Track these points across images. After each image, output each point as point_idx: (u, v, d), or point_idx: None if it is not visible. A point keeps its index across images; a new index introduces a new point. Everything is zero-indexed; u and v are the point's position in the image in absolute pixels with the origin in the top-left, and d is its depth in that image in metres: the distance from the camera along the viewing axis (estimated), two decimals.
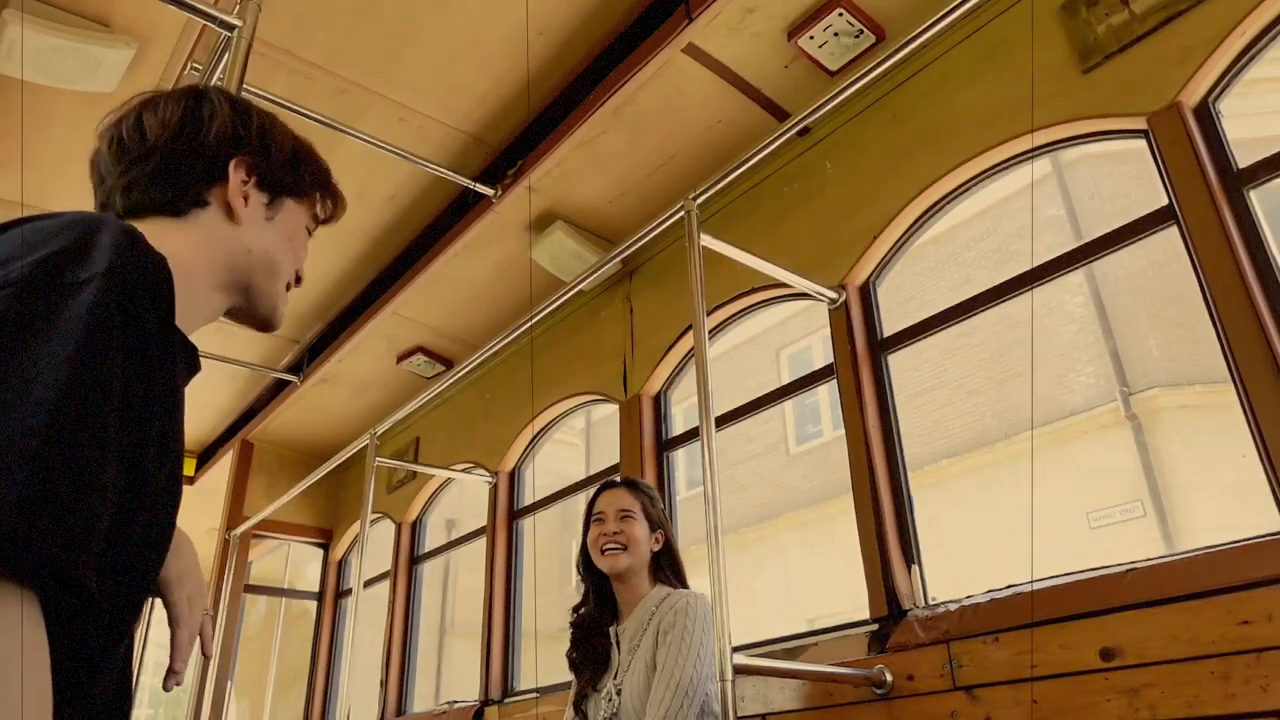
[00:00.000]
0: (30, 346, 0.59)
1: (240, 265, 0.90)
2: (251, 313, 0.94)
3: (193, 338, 0.81)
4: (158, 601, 0.87)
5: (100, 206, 0.89)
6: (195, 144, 0.89)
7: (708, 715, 1.94)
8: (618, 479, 2.32)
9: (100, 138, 0.92)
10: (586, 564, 2.23)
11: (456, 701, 3.83)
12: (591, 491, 2.36)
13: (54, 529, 0.55)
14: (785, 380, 2.95)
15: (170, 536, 0.77)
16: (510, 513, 4.00)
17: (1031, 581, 2.01)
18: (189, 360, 0.80)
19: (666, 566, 2.20)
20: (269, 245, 0.92)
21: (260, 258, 0.91)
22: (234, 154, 0.90)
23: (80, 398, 0.59)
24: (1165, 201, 2.01)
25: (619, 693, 2.03)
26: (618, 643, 2.14)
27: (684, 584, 2.23)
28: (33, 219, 0.71)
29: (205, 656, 0.92)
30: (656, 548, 2.19)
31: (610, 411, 3.57)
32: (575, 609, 2.26)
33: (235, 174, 0.89)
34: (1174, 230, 1.98)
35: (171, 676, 0.86)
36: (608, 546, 2.13)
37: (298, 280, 0.98)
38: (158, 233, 0.81)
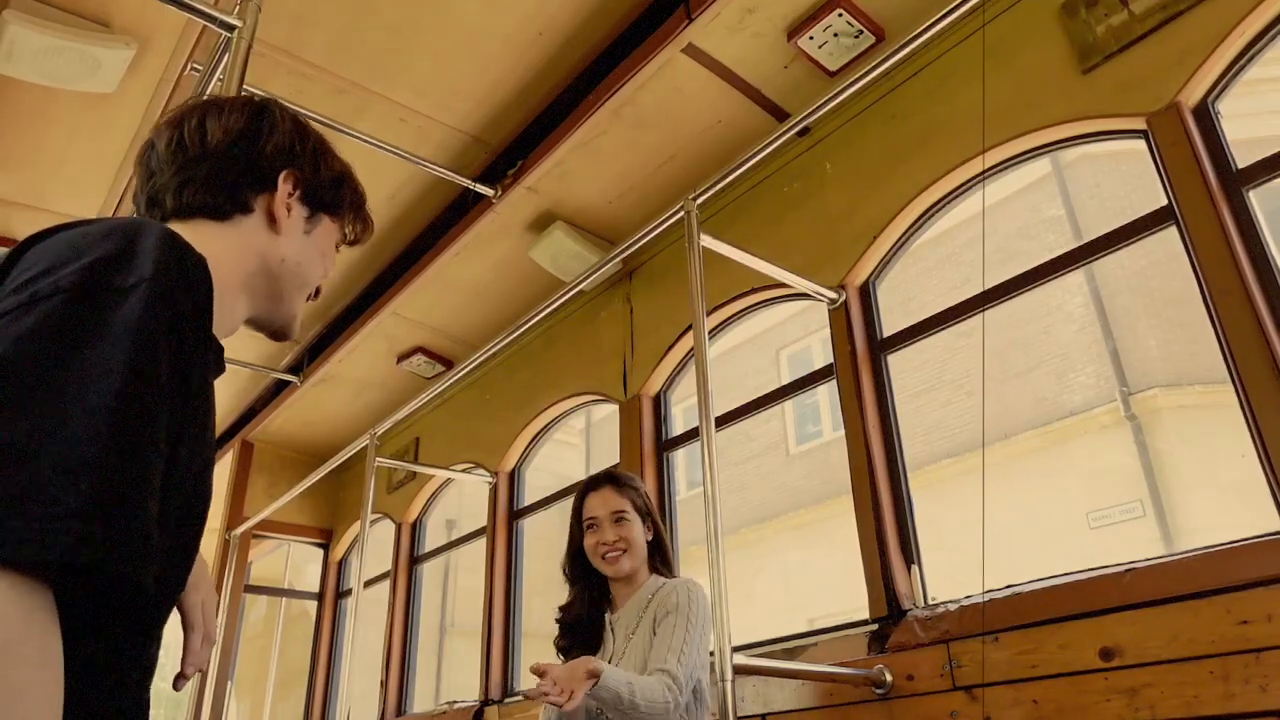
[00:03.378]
0: (83, 352, 0.60)
1: (274, 272, 0.93)
2: (273, 321, 0.97)
3: None
4: None
5: (147, 201, 0.91)
6: (253, 153, 0.92)
7: (699, 702, 1.94)
8: (602, 476, 2.28)
9: (157, 134, 0.94)
10: (579, 566, 2.21)
11: (456, 702, 3.83)
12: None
13: (118, 535, 0.57)
14: (785, 380, 2.95)
15: (202, 533, 0.78)
16: (510, 513, 4.00)
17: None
18: (218, 361, 0.83)
19: (657, 555, 2.21)
20: (303, 257, 0.96)
21: (293, 267, 0.95)
22: (286, 167, 0.94)
23: (136, 403, 0.61)
24: (1165, 201, 2.01)
25: None
26: (612, 629, 2.15)
27: (674, 571, 2.24)
28: (73, 225, 0.72)
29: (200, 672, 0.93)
30: (649, 537, 2.19)
31: (610, 411, 3.57)
32: (563, 609, 2.25)
33: (284, 185, 0.93)
34: (1173, 230, 1.99)
35: (181, 680, 0.88)
36: (610, 554, 2.13)
37: (316, 293, 1.02)
38: (201, 235, 0.84)
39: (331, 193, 0.99)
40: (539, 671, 1.76)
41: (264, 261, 0.92)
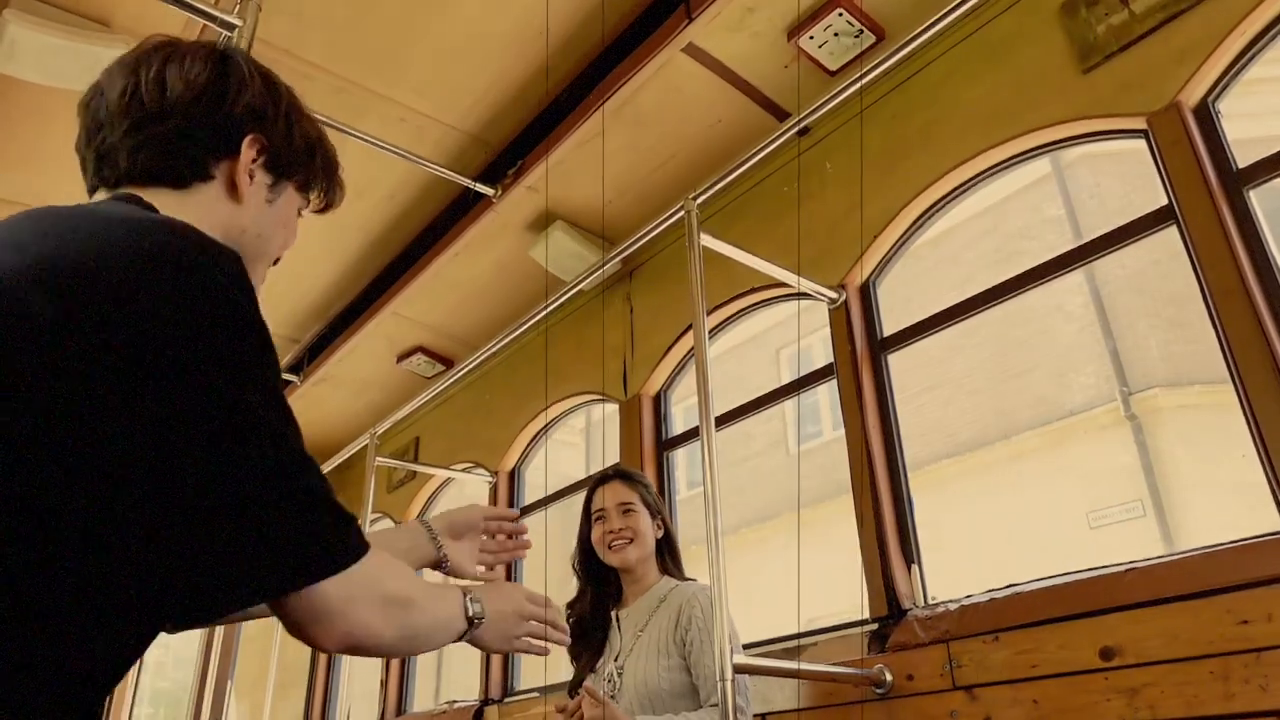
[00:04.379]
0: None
1: (235, 244, 0.86)
2: None
3: None
4: None
5: (96, 158, 0.84)
6: (218, 114, 0.85)
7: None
8: (610, 472, 2.30)
9: (108, 79, 0.86)
10: (588, 561, 2.22)
11: (456, 701, 3.83)
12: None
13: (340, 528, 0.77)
14: (785, 380, 2.95)
15: None
16: None
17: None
18: None
19: (668, 555, 2.22)
20: (264, 228, 0.90)
21: (253, 239, 0.89)
22: (253, 131, 0.87)
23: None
24: (1165, 201, 2.01)
25: (620, 673, 2.03)
26: (619, 625, 2.15)
27: (683, 572, 2.25)
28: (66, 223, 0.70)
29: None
30: (659, 534, 2.20)
31: (610, 411, 3.57)
32: (570, 605, 2.26)
33: (248, 151, 0.86)
34: (1174, 230, 1.98)
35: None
36: (615, 542, 2.14)
37: (276, 260, 0.96)
38: (159, 203, 0.81)
39: (302, 161, 0.93)
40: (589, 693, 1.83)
41: (224, 233, 0.84)
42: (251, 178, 0.87)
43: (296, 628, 0.72)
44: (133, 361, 0.62)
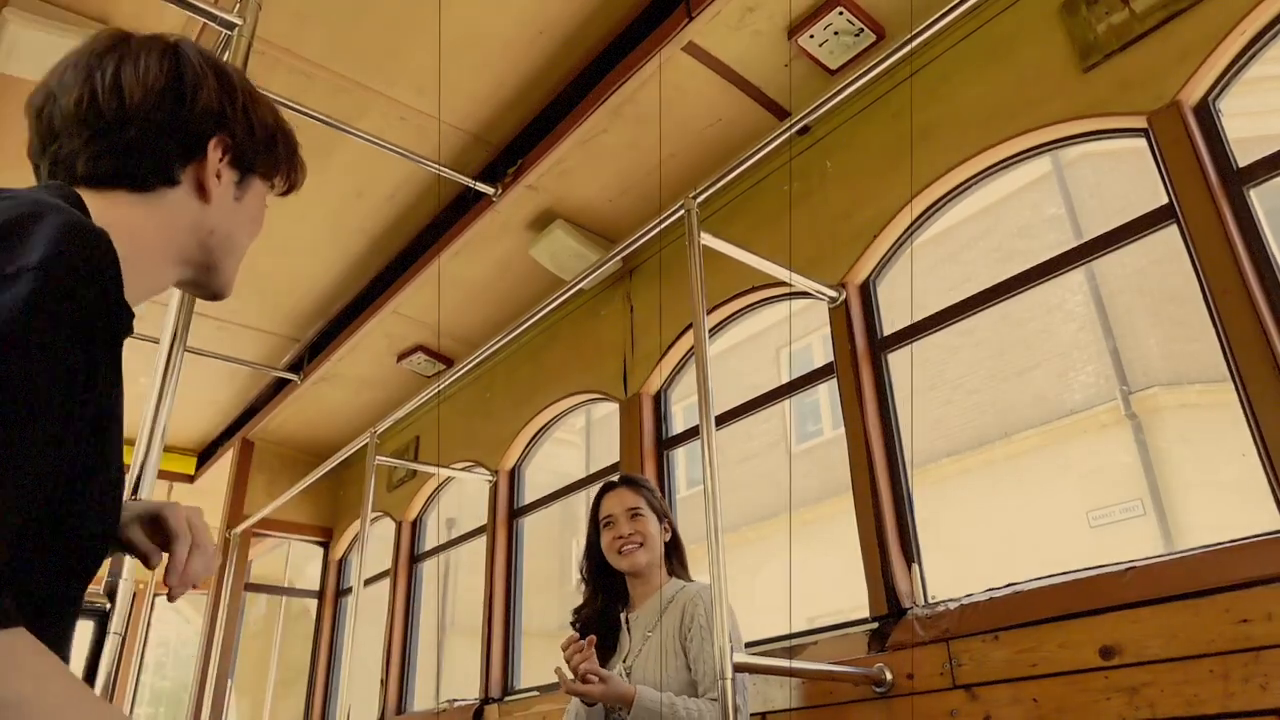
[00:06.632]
0: None
1: (204, 244, 0.86)
2: (204, 286, 0.91)
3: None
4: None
5: (50, 164, 0.81)
6: (178, 117, 0.83)
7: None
8: (617, 479, 2.33)
9: (59, 84, 0.83)
10: (596, 567, 2.25)
11: (456, 700, 3.83)
12: (593, 491, 2.37)
13: None
14: (785, 379, 2.95)
15: (120, 500, 0.76)
16: (510, 511, 4.00)
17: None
18: (128, 327, 0.73)
19: (675, 557, 2.25)
20: (234, 226, 0.89)
21: (223, 239, 0.88)
22: (216, 132, 0.85)
23: (19, 406, 0.55)
24: (1165, 200, 2.01)
25: (628, 674, 2.05)
26: (628, 627, 2.17)
27: (689, 573, 2.28)
28: None
29: (193, 587, 0.91)
30: (666, 538, 2.23)
31: (610, 410, 3.57)
32: (577, 610, 2.27)
33: (214, 153, 0.85)
34: (1174, 229, 1.98)
35: (174, 595, 0.86)
36: (625, 547, 2.16)
37: None
38: (118, 206, 0.79)
39: (264, 151, 0.91)
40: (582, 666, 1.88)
41: (194, 234, 0.84)
42: (219, 178, 0.86)
43: None
44: None
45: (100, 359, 0.64)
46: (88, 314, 0.62)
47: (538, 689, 3.43)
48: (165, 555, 0.88)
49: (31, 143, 0.84)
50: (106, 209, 0.73)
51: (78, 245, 0.62)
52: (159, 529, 0.88)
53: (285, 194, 0.98)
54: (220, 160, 0.86)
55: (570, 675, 1.90)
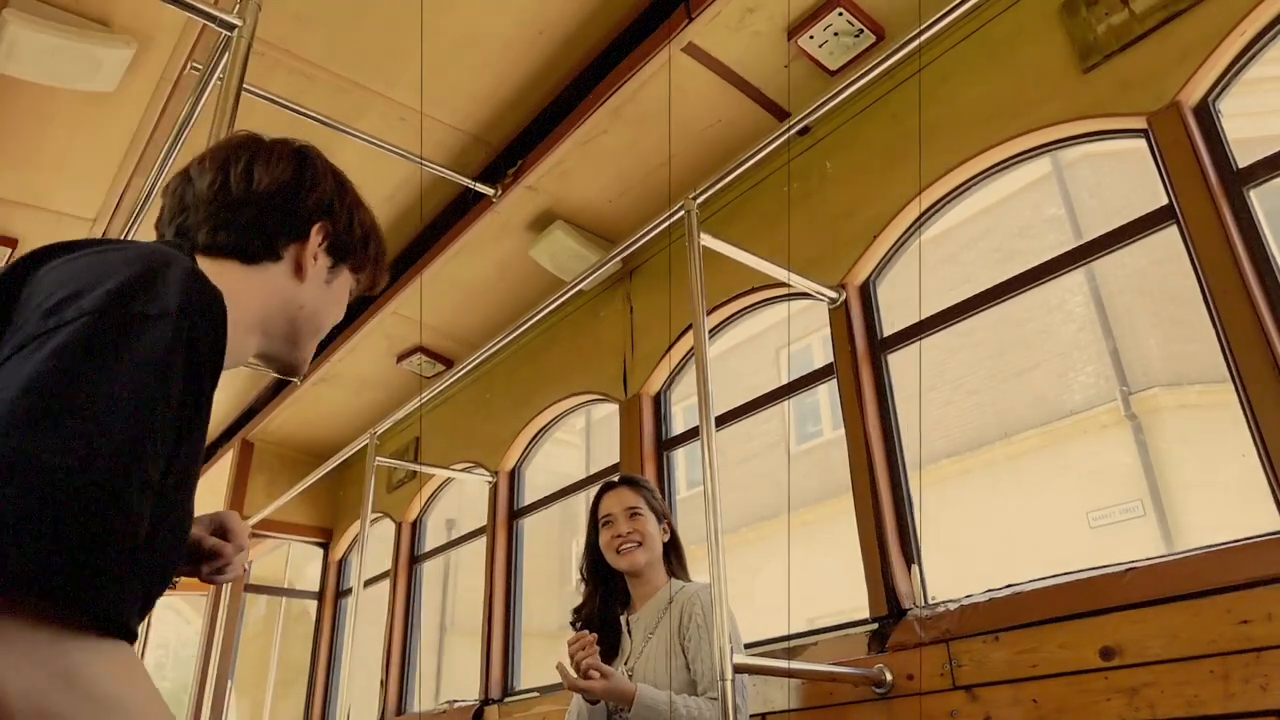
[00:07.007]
0: (104, 378, 0.61)
1: (291, 317, 0.96)
2: (283, 361, 1.00)
3: None
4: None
5: (175, 232, 0.92)
6: (294, 204, 0.95)
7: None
8: (616, 479, 2.33)
9: (199, 172, 0.95)
10: (596, 566, 2.25)
11: (456, 701, 3.83)
12: (592, 492, 2.37)
13: (118, 578, 0.58)
14: (785, 379, 2.95)
15: (183, 548, 0.81)
16: (510, 512, 4.00)
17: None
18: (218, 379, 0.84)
19: (674, 557, 2.24)
20: (321, 305, 0.99)
21: (310, 315, 0.98)
22: (322, 219, 0.97)
23: (152, 434, 0.63)
24: (1165, 201, 2.01)
25: (630, 676, 2.05)
26: (629, 629, 2.17)
27: (689, 574, 2.28)
28: (88, 244, 0.76)
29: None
30: (665, 538, 2.23)
31: (610, 411, 3.57)
32: (577, 610, 2.27)
33: (315, 236, 0.96)
34: (1174, 230, 1.98)
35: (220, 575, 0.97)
36: (624, 546, 2.16)
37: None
38: (226, 273, 0.88)
39: (359, 247, 1.02)
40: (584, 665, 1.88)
41: (284, 307, 0.95)
42: (315, 260, 0.97)
43: None
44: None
45: (209, 398, 0.72)
46: (207, 358, 0.70)
47: (538, 690, 3.43)
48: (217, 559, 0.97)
49: (160, 216, 0.96)
50: (217, 275, 0.79)
51: (205, 298, 0.72)
52: (221, 534, 0.99)
53: (365, 293, 1.09)
54: (320, 244, 0.97)
55: (573, 671, 1.90)
